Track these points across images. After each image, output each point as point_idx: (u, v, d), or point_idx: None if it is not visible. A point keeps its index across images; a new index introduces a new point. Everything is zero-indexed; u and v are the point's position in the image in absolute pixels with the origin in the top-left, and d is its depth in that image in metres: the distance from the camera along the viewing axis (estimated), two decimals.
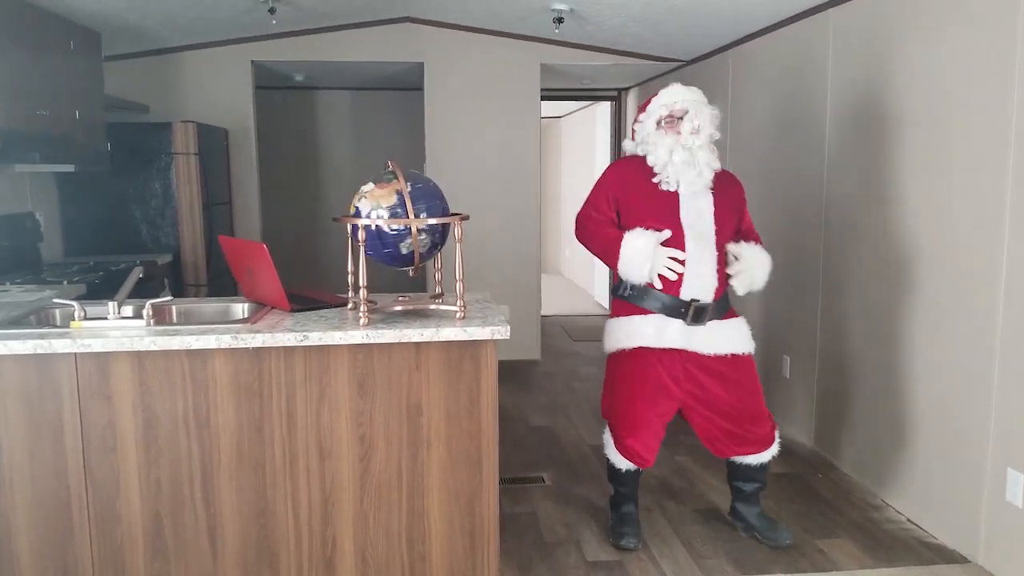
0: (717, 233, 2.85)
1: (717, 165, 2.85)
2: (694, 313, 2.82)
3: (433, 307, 2.56)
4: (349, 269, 2.57)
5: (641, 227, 2.81)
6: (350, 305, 2.61)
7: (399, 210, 2.39)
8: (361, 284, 2.41)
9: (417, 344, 2.41)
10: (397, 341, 2.36)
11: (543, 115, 9.63)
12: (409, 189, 2.41)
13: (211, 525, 2.41)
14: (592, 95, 7.85)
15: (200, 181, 4.74)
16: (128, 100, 5.14)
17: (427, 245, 2.46)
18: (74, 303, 2.38)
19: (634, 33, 5.07)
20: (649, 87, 6.81)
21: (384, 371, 2.42)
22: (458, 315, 2.48)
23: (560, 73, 6.40)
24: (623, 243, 2.79)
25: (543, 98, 7.42)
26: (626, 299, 2.92)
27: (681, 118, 2.82)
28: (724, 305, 2.92)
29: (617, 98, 7.69)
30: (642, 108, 2.96)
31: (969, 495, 2.88)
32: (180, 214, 4.70)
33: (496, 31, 5.65)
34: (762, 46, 4.54)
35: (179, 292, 4.68)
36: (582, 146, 9.60)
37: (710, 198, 2.86)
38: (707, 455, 3.88)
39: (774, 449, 3.00)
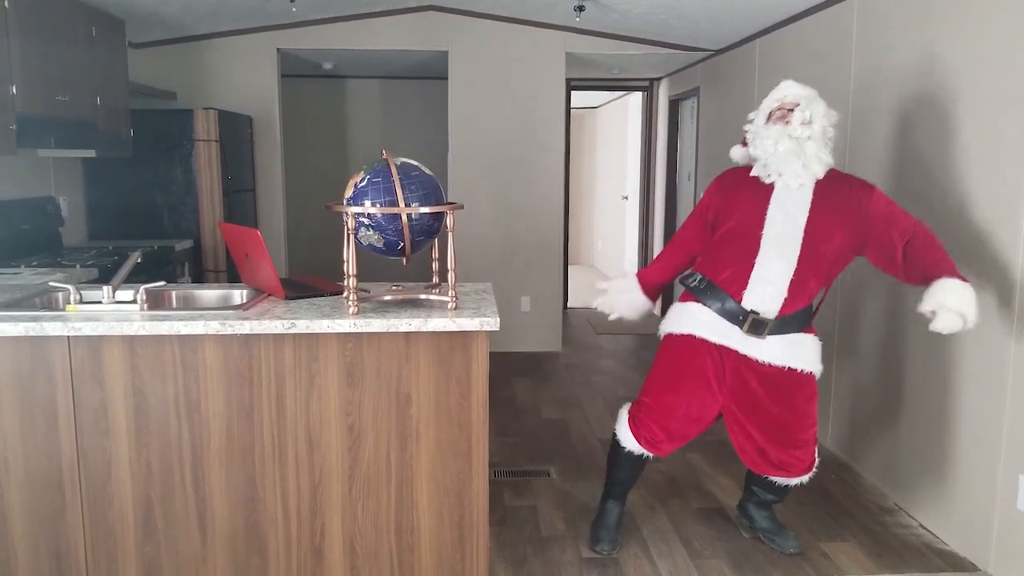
0: (804, 241, 2.60)
1: (830, 160, 2.62)
2: (751, 325, 2.64)
3: (425, 297, 2.54)
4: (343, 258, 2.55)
5: (727, 224, 2.71)
6: (344, 293, 2.60)
7: (369, 194, 2.36)
8: (351, 272, 2.39)
9: (407, 334, 2.39)
10: (385, 330, 2.34)
11: (578, 105, 9.61)
12: (366, 180, 2.38)
13: (200, 510, 2.42)
14: (624, 85, 7.74)
15: (221, 168, 4.78)
16: (155, 87, 5.22)
17: (376, 240, 2.40)
18: (69, 286, 2.41)
19: (660, 21, 4.97)
20: (680, 77, 6.69)
21: (373, 361, 2.41)
22: (450, 305, 2.45)
23: (590, 63, 6.32)
24: (623, 278, 3.03)
25: (574, 88, 7.37)
26: (692, 290, 2.78)
27: (791, 110, 2.62)
28: (795, 324, 2.66)
29: (649, 88, 7.58)
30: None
31: (981, 502, 2.78)
32: (200, 200, 4.75)
33: (520, 19, 5.59)
34: (788, 35, 4.41)
35: (198, 277, 4.74)
36: (616, 136, 9.49)
37: (809, 197, 2.62)
38: (719, 453, 3.81)
39: (807, 476, 2.81)
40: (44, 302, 2.65)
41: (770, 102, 2.69)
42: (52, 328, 2.23)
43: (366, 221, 2.39)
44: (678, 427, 2.75)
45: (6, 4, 3.27)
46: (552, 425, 4.35)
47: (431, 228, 2.47)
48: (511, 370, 5.46)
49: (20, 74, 3.35)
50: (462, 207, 2.51)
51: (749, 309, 2.63)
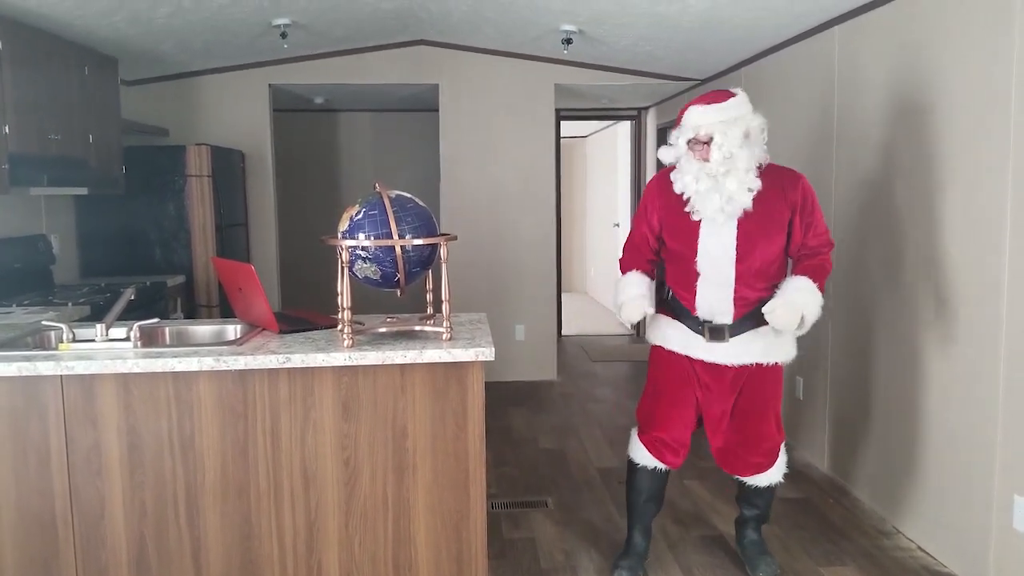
0: (738, 262, 2.63)
1: (754, 185, 2.57)
2: (711, 332, 2.71)
3: (419, 328, 2.54)
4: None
5: (668, 243, 2.77)
6: (339, 326, 2.60)
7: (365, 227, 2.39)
8: (345, 305, 2.40)
9: (402, 366, 2.39)
10: (380, 363, 2.34)
11: (567, 135, 9.69)
12: (362, 213, 2.40)
13: (195, 549, 2.40)
14: (612, 114, 7.82)
15: (213, 203, 4.80)
16: (147, 124, 5.24)
17: (373, 272, 2.42)
18: (62, 325, 2.40)
19: (646, 52, 5.04)
20: (668, 106, 6.77)
21: (369, 393, 2.40)
22: (445, 336, 2.46)
23: (578, 93, 6.39)
24: (620, 282, 2.89)
25: (563, 118, 7.44)
26: (663, 303, 2.89)
27: (707, 143, 2.58)
28: (755, 319, 2.68)
29: (637, 117, 7.65)
30: (678, 119, 2.72)
31: (978, 523, 2.77)
32: (193, 235, 4.76)
33: (509, 52, 5.66)
34: (773, 64, 4.48)
35: (191, 313, 4.72)
36: (606, 165, 9.57)
37: (734, 226, 2.62)
38: (717, 479, 3.79)
39: (774, 475, 2.84)
40: (36, 341, 2.64)
41: (686, 128, 2.62)
42: (45, 367, 2.22)
43: (363, 254, 2.39)
44: (674, 433, 2.81)
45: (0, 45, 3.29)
46: (549, 455, 4.32)
47: (426, 259, 2.49)
48: (506, 400, 5.44)
49: (13, 114, 3.37)
50: (455, 238, 2.53)
51: (703, 320, 2.72)
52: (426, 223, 2.47)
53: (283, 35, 4.52)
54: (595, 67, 5.70)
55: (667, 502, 3.57)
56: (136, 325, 2.42)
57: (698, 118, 2.60)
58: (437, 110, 5.86)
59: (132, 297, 2.59)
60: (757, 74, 4.73)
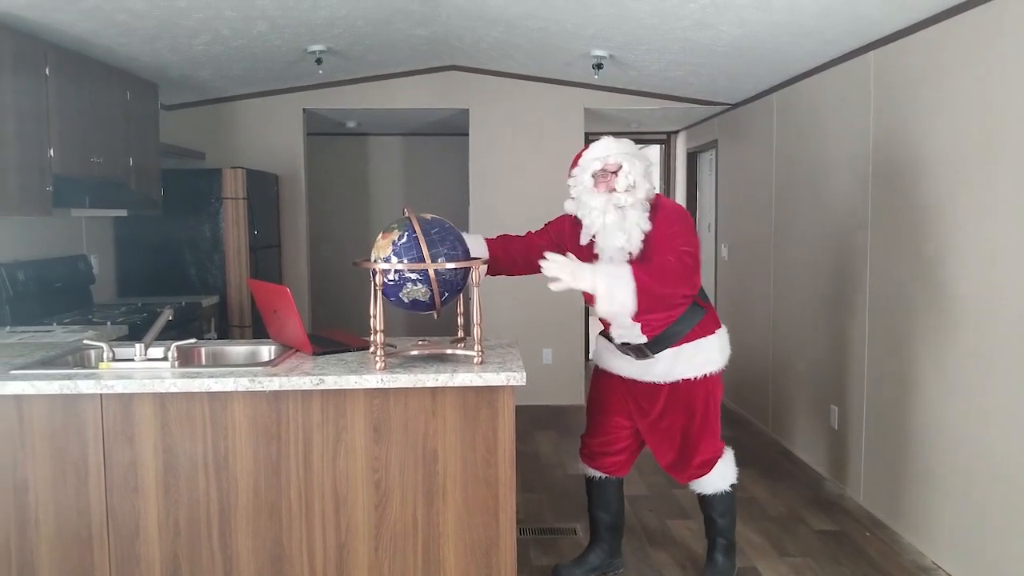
0: None
1: (646, 226, 2.70)
2: (635, 351, 2.85)
3: (451, 352, 2.55)
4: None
5: None
6: (371, 349, 2.62)
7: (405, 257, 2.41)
8: (379, 328, 2.42)
9: (433, 389, 2.40)
10: (412, 386, 2.35)
11: None
12: (405, 236, 2.42)
13: (227, 569, 2.41)
14: (641, 138, 7.83)
15: (248, 225, 4.87)
16: (185, 148, 5.35)
17: (423, 294, 2.44)
18: (103, 344, 2.45)
19: (677, 77, 5.06)
20: (698, 130, 6.77)
21: (400, 416, 2.41)
22: (476, 360, 2.46)
23: (608, 117, 6.42)
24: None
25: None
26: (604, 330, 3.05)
27: (615, 172, 2.72)
28: (675, 337, 2.80)
29: (667, 141, 7.66)
30: (574, 161, 2.87)
31: (1022, 560, 2.69)
32: (228, 257, 4.83)
33: (539, 77, 5.71)
34: (806, 89, 4.47)
35: (224, 333, 4.78)
36: None
37: (626, 260, 2.71)
38: (748, 511, 3.74)
39: (711, 482, 2.94)
40: (77, 359, 2.68)
41: (591, 160, 2.75)
42: (86, 386, 2.26)
43: (412, 276, 2.41)
44: (601, 442, 3.03)
45: (46, 71, 3.39)
46: (577, 480, 4.27)
47: (458, 284, 2.50)
48: (534, 423, 5.42)
49: (58, 136, 3.47)
50: (487, 262, 2.54)
51: (620, 342, 2.89)
52: (462, 248, 2.49)
53: (318, 61, 4.61)
54: (625, 91, 5.72)
55: (698, 531, 3.52)
56: (174, 345, 2.46)
57: (607, 148, 2.75)
58: (467, 134, 5.91)
59: (170, 318, 2.63)
60: (789, 99, 4.72)
